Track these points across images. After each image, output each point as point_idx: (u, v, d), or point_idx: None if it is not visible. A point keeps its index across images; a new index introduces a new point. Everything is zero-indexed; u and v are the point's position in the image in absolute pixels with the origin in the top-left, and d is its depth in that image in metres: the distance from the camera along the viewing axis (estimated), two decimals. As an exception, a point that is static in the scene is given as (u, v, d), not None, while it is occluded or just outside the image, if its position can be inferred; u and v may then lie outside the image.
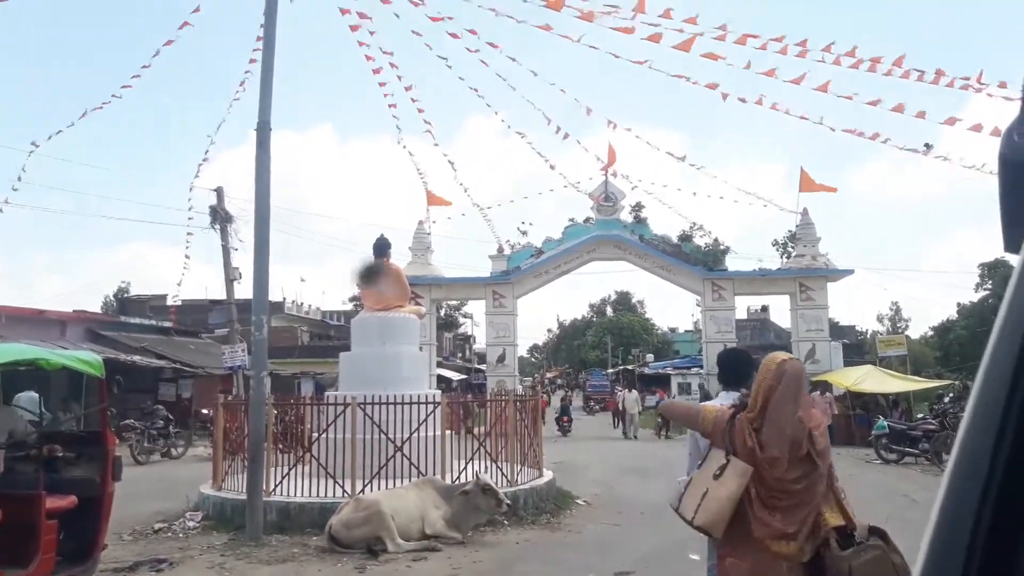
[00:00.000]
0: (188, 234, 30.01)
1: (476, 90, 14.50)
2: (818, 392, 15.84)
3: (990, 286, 45.82)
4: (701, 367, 31.68)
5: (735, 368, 5.06)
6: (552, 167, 19.00)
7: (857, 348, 38.44)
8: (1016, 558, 0.53)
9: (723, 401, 4.57)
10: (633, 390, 29.81)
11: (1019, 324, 0.61)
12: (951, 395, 21.04)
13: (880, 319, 68.96)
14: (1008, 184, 0.88)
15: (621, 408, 28.01)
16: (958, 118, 12.66)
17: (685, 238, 28.49)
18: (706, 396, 20.40)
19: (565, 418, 27.58)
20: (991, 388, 0.60)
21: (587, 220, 28.97)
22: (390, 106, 14.91)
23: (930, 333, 54.92)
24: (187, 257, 20.18)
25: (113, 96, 14.17)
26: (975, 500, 0.55)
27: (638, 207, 29.10)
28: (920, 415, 20.53)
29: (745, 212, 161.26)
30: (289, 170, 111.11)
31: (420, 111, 14.81)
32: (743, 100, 13.56)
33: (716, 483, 3.47)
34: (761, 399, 3.55)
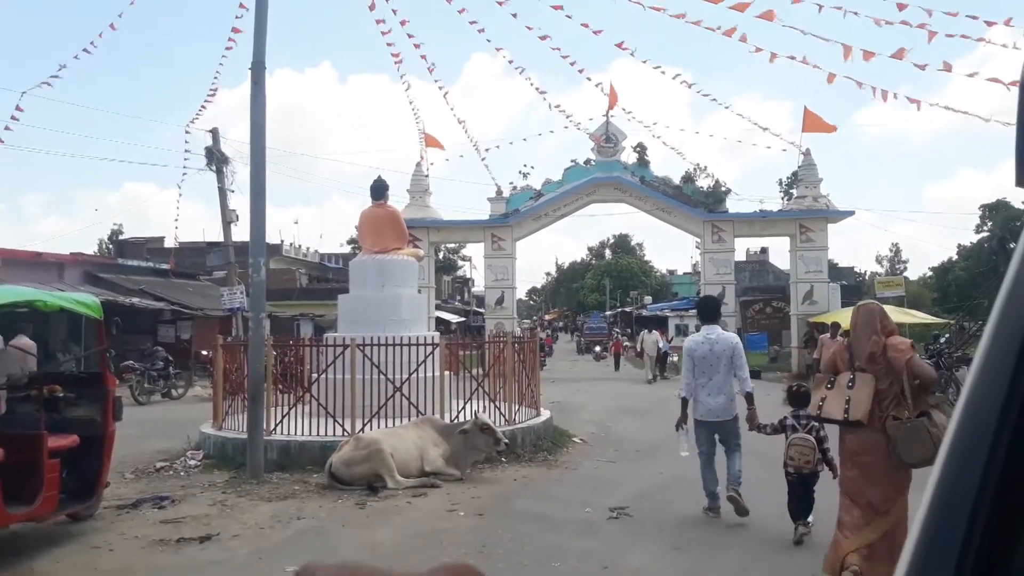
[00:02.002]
0: (182, 177, 29.80)
1: (476, 22, 14.21)
2: (827, 335, 15.91)
3: (990, 227, 45.67)
4: (699, 309, 31.76)
5: (709, 309, 7.71)
6: (553, 106, 18.78)
7: (855, 289, 38.57)
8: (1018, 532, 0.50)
9: (705, 333, 7.32)
10: (654, 331, 27.97)
11: None
12: (946, 336, 21.13)
13: (879, 260, 69.22)
14: None
15: (640, 350, 27.37)
16: (977, 72, 12.49)
17: (688, 179, 28.21)
18: (684, 332, 20.72)
19: (542, 353, 29.30)
20: (1000, 346, 0.56)
21: (587, 162, 28.68)
22: (388, 44, 14.61)
23: (929, 274, 54.96)
24: (178, 200, 20.05)
25: (91, 44, 13.87)
26: (977, 475, 0.52)
27: (640, 148, 28.78)
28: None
29: (748, 153, 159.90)
30: (288, 110, 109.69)
31: (417, 46, 14.55)
32: (743, 40, 13.28)
33: (854, 391, 5.07)
34: (854, 331, 5.28)
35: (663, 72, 18.40)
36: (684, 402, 7.26)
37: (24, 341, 14.56)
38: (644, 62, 15.84)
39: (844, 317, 22.20)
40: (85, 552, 6.36)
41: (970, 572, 0.49)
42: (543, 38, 13.94)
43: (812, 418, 5.93)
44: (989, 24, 11.68)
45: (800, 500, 6.36)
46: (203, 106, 23.01)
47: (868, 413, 4.96)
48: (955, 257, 48.50)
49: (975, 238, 47.30)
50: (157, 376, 19.48)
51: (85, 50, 14.00)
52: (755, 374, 9.30)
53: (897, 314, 21.55)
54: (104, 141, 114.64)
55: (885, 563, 4.89)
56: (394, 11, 18.47)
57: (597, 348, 41.58)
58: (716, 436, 7.18)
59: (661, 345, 27.24)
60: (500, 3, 13.57)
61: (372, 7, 13.26)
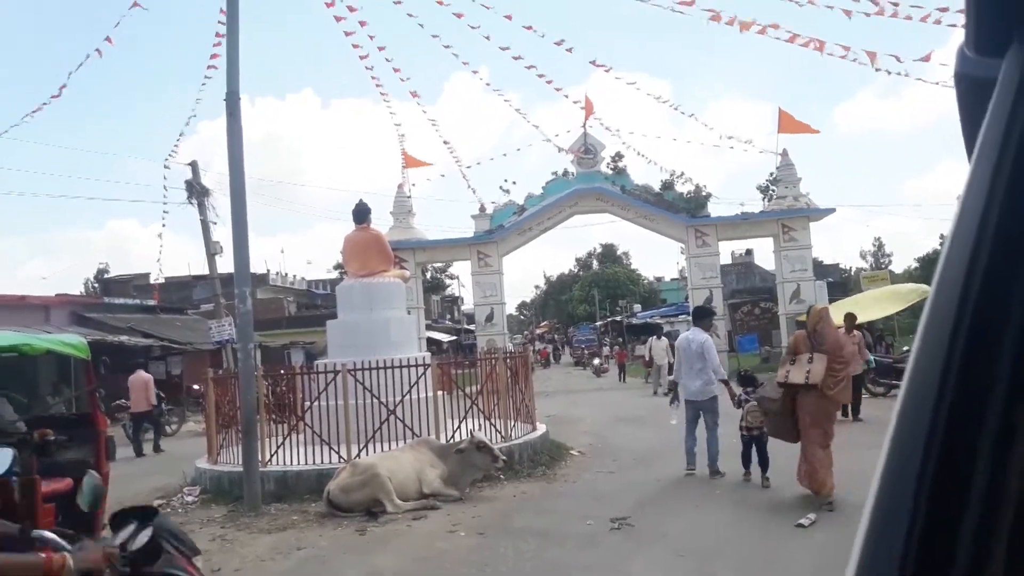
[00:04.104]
0: (164, 212, 29.77)
1: (450, 47, 14.36)
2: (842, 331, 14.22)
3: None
4: (688, 314, 31.85)
5: (696, 314, 10.48)
6: (531, 123, 18.89)
7: (841, 286, 38.77)
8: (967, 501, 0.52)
9: (688, 334, 9.93)
10: (663, 337, 24.37)
11: (964, 250, 0.59)
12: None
13: (863, 256, 69.42)
14: (965, 101, 0.83)
15: (648, 358, 25.17)
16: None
17: (667, 186, 28.34)
18: (673, 338, 20.52)
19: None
20: (937, 320, 0.57)
21: (567, 174, 28.79)
22: (367, 68, 14.72)
23: (915, 266, 55.29)
24: (161, 236, 20.03)
25: (63, 86, 13.92)
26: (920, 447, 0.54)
27: (618, 157, 28.94)
28: (905, 347, 20.80)
29: (729, 156, 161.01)
30: (271, 138, 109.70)
31: (396, 70, 14.73)
32: (724, 21, 13.34)
33: (812, 364, 7.45)
34: (813, 326, 7.87)
35: (638, 88, 18.55)
36: (674, 384, 10.07)
37: (143, 376, 15.63)
38: (617, 78, 16.18)
39: (838, 313, 22.30)
40: (85, 596, 6.28)
41: (913, 566, 0.51)
42: (516, 58, 14.13)
43: (762, 393, 8.42)
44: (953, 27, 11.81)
45: (749, 453, 8.66)
46: (177, 141, 23.07)
47: (822, 380, 7.41)
48: (939, 248, 48.87)
49: (956, 228, 47.70)
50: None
51: (63, 86, 14.03)
52: (754, 381, 9.64)
53: (883, 305, 21.68)
54: (86, 180, 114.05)
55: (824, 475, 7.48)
56: (371, 36, 18.57)
57: (596, 361, 36.46)
58: (700, 413, 9.45)
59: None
60: (473, 27, 13.72)
61: (349, 33, 13.37)
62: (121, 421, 18.14)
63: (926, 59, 12.69)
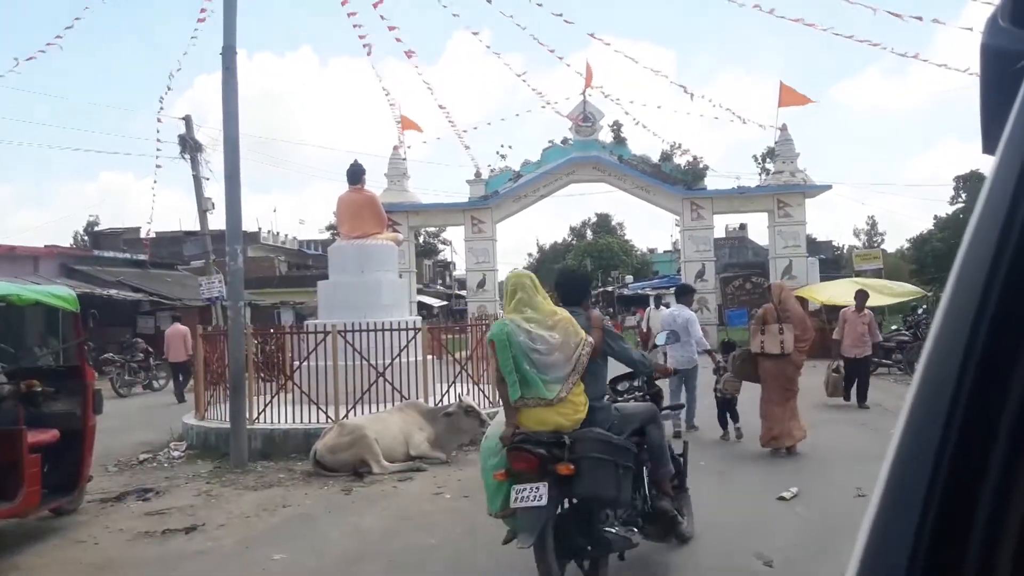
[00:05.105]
0: (156, 166, 29.52)
1: (447, 6, 14.15)
2: (849, 309, 13.16)
3: (964, 199, 46.14)
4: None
5: (679, 292, 11.18)
6: (532, 88, 18.72)
7: (834, 263, 38.88)
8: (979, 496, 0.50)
9: (674, 310, 10.79)
10: (662, 306, 20.84)
11: (991, 235, 0.56)
12: (924, 307, 21.36)
13: (856, 234, 69.59)
14: (990, 76, 0.79)
15: (646, 329, 24.27)
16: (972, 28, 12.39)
17: (665, 157, 28.20)
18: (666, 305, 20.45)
19: None
20: (962, 294, 0.55)
21: (565, 142, 28.60)
22: (355, 26, 14.50)
23: (907, 246, 55.45)
24: (154, 190, 19.83)
25: (66, 28, 13.67)
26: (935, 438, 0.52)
27: (617, 126, 28.73)
28: (894, 326, 20.91)
29: (728, 129, 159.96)
30: (267, 95, 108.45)
31: (392, 28, 14.47)
32: None
33: (785, 335, 8.44)
34: (778, 299, 8.81)
35: (636, 63, 18.39)
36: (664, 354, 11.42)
37: (180, 328, 16.55)
38: (617, 51, 16.04)
39: (819, 291, 22.38)
40: (70, 547, 6.32)
41: (923, 558, 0.49)
42: (519, 26, 14.00)
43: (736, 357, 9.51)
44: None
45: (725, 416, 9.79)
46: (164, 95, 22.77)
47: (791, 348, 8.47)
48: (932, 228, 48.96)
49: (951, 209, 47.82)
50: (137, 368, 19.32)
51: (59, 36, 13.80)
52: (734, 348, 10.23)
53: (879, 295, 21.68)
54: (82, 132, 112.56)
55: (784, 431, 8.50)
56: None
57: None
58: (683, 380, 10.41)
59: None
60: None
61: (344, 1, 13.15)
62: (109, 375, 18.15)
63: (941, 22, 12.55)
